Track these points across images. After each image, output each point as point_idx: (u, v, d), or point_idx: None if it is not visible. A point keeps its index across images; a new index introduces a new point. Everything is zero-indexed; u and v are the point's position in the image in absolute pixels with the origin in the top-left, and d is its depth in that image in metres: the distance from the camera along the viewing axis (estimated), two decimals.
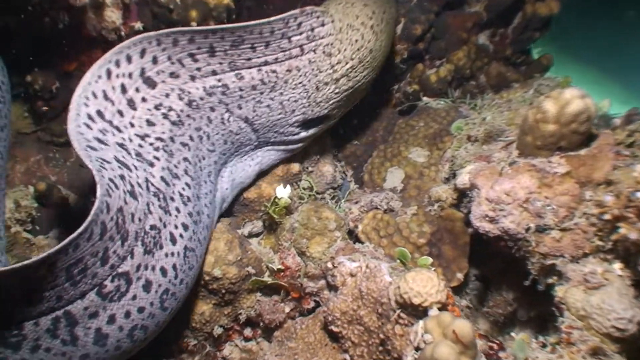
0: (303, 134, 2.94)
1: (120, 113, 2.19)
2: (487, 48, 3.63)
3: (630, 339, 1.90)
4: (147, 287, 2.05)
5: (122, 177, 1.99)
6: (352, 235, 2.90)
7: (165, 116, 2.34)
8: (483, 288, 2.76)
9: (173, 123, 2.36)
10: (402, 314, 2.14)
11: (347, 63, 2.71)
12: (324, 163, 3.29)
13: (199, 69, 2.41)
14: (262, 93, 2.62)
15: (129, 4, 2.72)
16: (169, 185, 2.25)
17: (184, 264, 2.22)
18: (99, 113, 2.10)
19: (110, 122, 2.14)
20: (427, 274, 2.11)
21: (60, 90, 2.91)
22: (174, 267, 2.16)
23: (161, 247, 2.12)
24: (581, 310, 1.98)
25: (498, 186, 2.20)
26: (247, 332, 2.88)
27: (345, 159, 3.51)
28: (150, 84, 2.29)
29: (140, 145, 2.22)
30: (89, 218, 1.73)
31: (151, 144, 2.26)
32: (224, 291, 2.66)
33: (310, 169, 3.27)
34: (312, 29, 2.58)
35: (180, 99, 2.39)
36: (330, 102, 2.82)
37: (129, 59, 2.19)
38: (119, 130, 2.17)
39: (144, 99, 2.27)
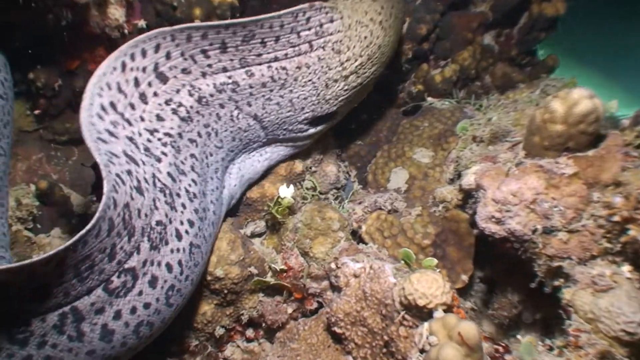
0: (312, 131, 2.93)
1: (132, 106, 2.18)
2: (492, 48, 3.61)
3: (639, 343, 1.88)
4: (153, 282, 2.05)
5: (129, 172, 1.98)
6: (356, 236, 2.88)
7: (175, 112, 2.34)
8: (488, 290, 2.74)
9: (182, 119, 2.36)
10: (406, 316, 2.12)
11: (356, 60, 2.70)
12: (328, 163, 3.27)
13: (210, 66, 2.41)
14: (271, 90, 2.61)
15: (133, 2, 2.71)
16: (176, 182, 2.25)
17: (190, 260, 2.22)
18: (112, 104, 2.09)
19: (122, 115, 2.13)
20: (432, 275, 2.09)
21: (63, 88, 2.91)
22: (180, 263, 2.16)
23: (167, 243, 2.11)
24: (589, 313, 1.96)
25: (505, 187, 2.18)
26: (249, 332, 2.87)
27: (349, 159, 3.50)
28: (163, 79, 2.29)
29: (149, 140, 2.21)
30: (97, 214, 1.72)
31: (159, 139, 2.26)
32: (226, 291, 2.64)
33: (313, 169, 3.24)
34: (321, 25, 2.57)
35: (191, 95, 2.39)
36: (339, 98, 2.81)
37: (144, 53, 2.19)
38: (130, 124, 2.16)
39: (155, 94, 2.27)
